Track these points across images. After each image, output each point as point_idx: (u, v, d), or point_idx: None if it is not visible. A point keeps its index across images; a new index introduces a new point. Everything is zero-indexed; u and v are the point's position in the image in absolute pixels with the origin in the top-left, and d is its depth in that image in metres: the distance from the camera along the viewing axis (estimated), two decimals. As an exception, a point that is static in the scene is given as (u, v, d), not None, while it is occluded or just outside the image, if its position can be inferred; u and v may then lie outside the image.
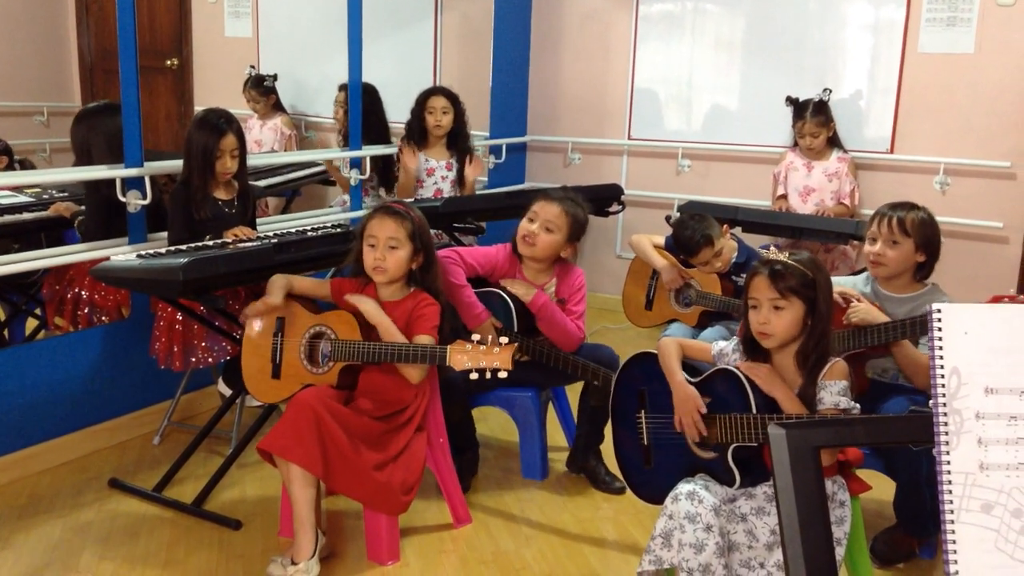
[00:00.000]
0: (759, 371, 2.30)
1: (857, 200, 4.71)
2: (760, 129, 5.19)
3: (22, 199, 3.84)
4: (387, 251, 2.71)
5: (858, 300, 2.80)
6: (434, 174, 4.58)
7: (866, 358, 2.84)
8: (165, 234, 3.42)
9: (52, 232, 3.82)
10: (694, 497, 2.17)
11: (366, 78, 4.38)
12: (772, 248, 2.38)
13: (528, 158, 5.99)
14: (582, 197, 3.31)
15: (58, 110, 6.01)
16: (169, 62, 6.26)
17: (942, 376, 1.15)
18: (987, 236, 4.73)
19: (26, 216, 3.76)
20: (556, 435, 3.56)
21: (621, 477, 2.70)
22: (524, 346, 3.11)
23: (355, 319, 2.74)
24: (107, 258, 3.01)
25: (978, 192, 4.74)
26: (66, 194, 3.90)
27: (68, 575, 2.65)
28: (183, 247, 3.03)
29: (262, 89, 5.59)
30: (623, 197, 4.91)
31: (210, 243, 3.12)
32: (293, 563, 2.58)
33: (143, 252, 2.95)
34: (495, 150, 5.50)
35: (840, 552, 2.21)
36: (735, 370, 2.34)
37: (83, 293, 3.54)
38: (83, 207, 3.73)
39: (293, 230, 3.42)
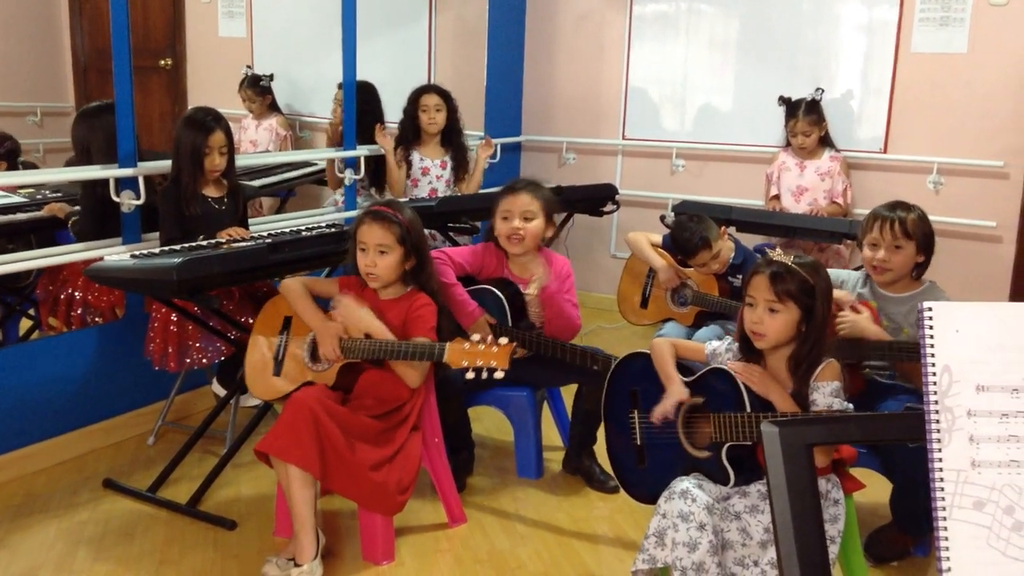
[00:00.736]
0: (752, 373, 2.30)
1: (850, 199, 4.72)
2: (754, 129, 5.20)
3: (16, 199, 3.83)
4: (377, 256, 2.72)
5: (854, 309, 2.77)
6: (429, 173, 4.58)
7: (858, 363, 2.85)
8: (158, 234, 3.42)
9: (44, 233, 3.81)
10: (687, 496, 2.18)
11: (360, 77, 4.37)
12: (778, 249, 2.37)
13: (523, 158, 5.99)
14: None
15: (52, 110, 5.99)
16: (163, 62, 6.25)
17: (933, 374, 1.15)
18: (980, 235, 4.74)
19: (20, 216, 3.76)
20: (551, 434, 3.56)
21: (615, 476, 2.70)
22: (523, 339, 3.12)
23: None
24: (101, 258, 3.00)
25: (971, 191, 4.75)
26: (60, 194, 3.90)
27: None
28: (177, 247, 3.03)
29: (258, 89, 5.58)
30: (617, 197, 4.93)
31: (204, 243, 3.12)
32: (296, 565, 2.57)
33: (137, 252, 2.95)
34: (489, 150, 5.49)
35: (834, 550, 2.22)
36: (729, 369, 2.34)
37: (77, 294, 3.54)
38: (76, 207, 3.73)
39: (287, 230, 3.42)
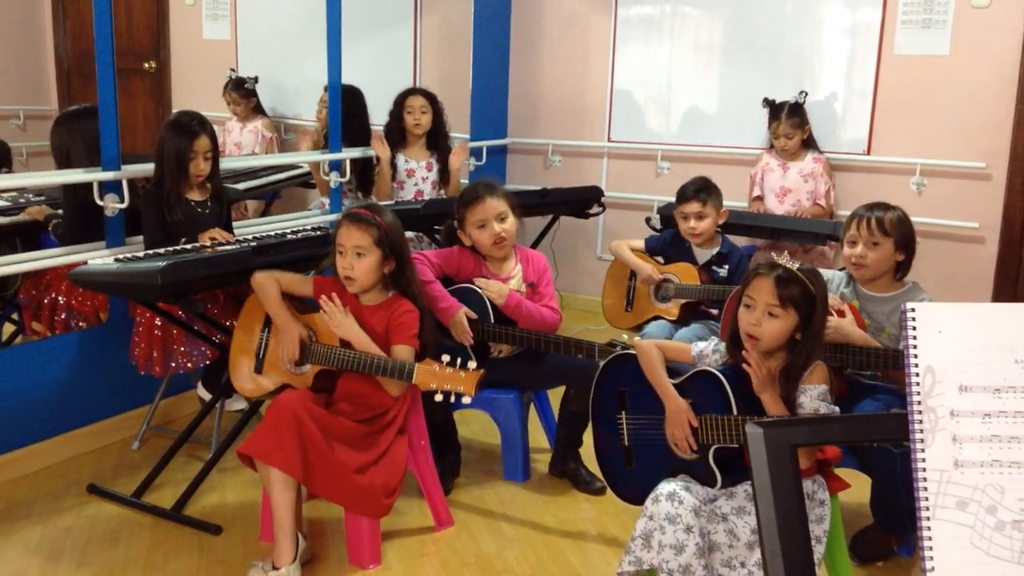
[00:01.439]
0: (762, 370, 2.26)
1: (833, 200, 4.74)
2: (738, 131, 5.22)
3: (-1, 203, 3.82)
4: (354, 259, 2.71)
5: (839, 312, 2.78)
6: (414, 175, 4.58)
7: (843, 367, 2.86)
8: (142, 238, 3.40)
9: (27, 237, 3.78)
10: (674, 498, 2.18)
11: (346, 81, 4.37)
12: (785, 254, 2.36)
13: (509, 160, 5.99)
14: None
15: (34, 113, 5.95)
16: (147, 65, 6.22)
17: (916, 374, 1.16)
18: (963, 236, 4.77)
19: (1, 220, 3.73)
20: (538, 437, 3.56)
21: (601, 477, 2.70)
22: (507, 336, 3.13)
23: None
24: (85, 262, 2.99)
25: (954, 193, 4.78)
26: (42, 198, 3.87)
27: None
28: (161, 251, 3.02)
29: (243, 92, 5.56)
30: (603, 199, 4.94)
31: (188, 246, 3.11)
32: (274, 568, 2.57)
33: (121, 256, 2.93)
34: (475, 152, 5.49)
35: (819, 550, 2.23)
36: (716, 372, 2.35)
37: (60, 298, 3.52)
38: (57, 211, 3.71)
39: (272, 233, 3.41)
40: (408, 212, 4.00)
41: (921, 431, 1.15)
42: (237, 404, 3.64)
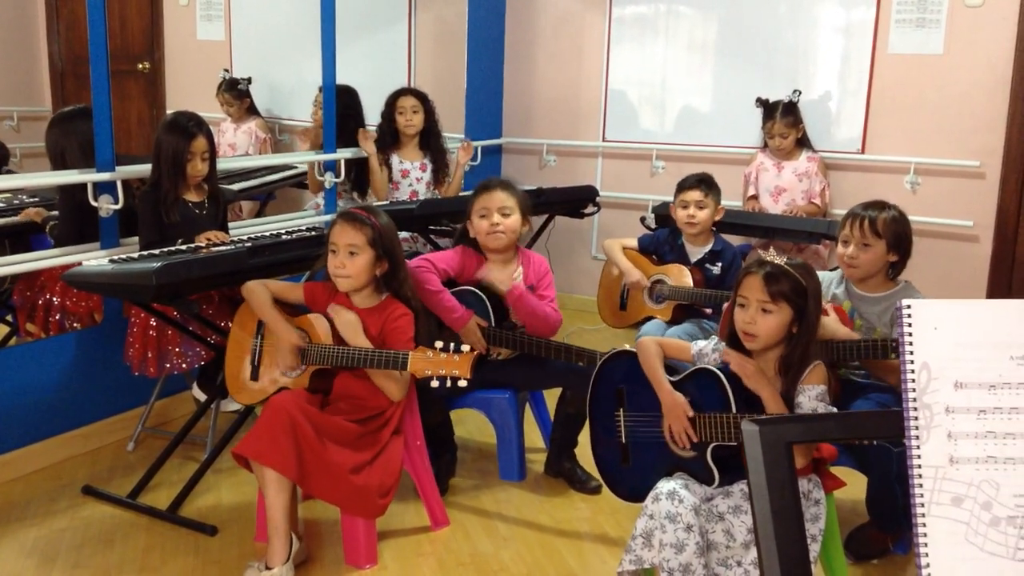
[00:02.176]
0: (747, 366, 2.30)
1: (828, 199, 4.75)
2: (732, 130, 5.23)
3: (-6, 205, 3.81)
4: (347, 258, 2.71)
5: (823, 312, 2.79)
6: (408, 175, 4.58)
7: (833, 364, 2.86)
8: (137, 239, 3.39)
9: (15, 238, 3.78)
10: (675, 497, 2.18)
11: (341, 81, 4.36)
12: (771, 250, 2.37)
13: (503, 160, 5.99)
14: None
15: (28, 115, 5.94)
16: (141, 66, 6.21)
17: (912, 371, 1.16)
18: (957, 235, 4.78)
19: (-1, 222, 3.73)
20: (533, 436, 3.56)
21: (597, 475, 2.70)
22: (508, 340, 3.13)
23: (329, 323, 2.74)
24: (79, 263, 2.98)
25: (948, 191, 4.79)
26: (37, 199, 3.87)
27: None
28: (156, 251, 3.02)
29: (236, 92, 5.56)
30: (598, 198, 4.94)
31: (183, 247, 3.10)
32: (267, 568, 2.56)
33: (115, 257, 2.93)
34: (470, 152, 5.50)
35: (815, 549, 2.23)
36: (715, 370, 2.35)
37: (55, 299, 3.51)
38: (54, 212, 3.70)
39: (267, 233, 3.41)
40: (403, 212, 4.00)
41: (916, 428, 1.16)
42: (232, 405, 3.63)
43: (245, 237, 3.33)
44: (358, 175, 4.65)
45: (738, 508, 2.24)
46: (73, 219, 3.50)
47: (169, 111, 5.89)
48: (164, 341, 3.29)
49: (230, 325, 3.00)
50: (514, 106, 5.91)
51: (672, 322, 3.90)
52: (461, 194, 4.74)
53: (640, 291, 4.04)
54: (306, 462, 2.55)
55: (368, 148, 4.50)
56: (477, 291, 3.18)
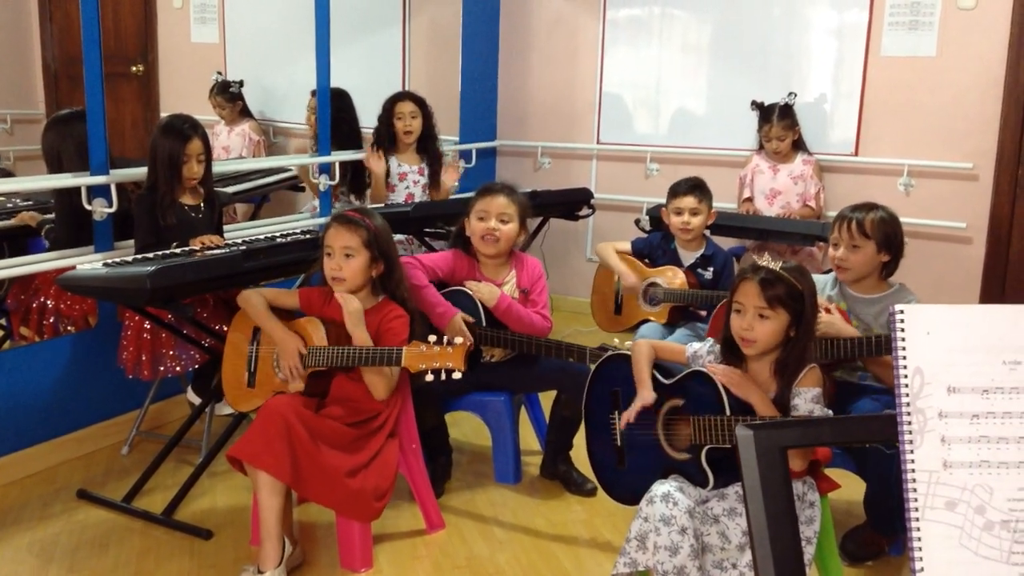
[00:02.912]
0: (732, 376, 2.31)
1: (823, 202, 4.76)
2: (727, 133, 5.24)
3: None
4: (343, 260, 2.71)
5: (826, 310, 2.80)
6: (406, 179, 4.57)
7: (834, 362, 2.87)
8: (132, 242, 3.39)
9: (16, 242, 3.77)
10: (669, 499, 2.18)
11: (335, 84, 4.36)
12: (766, 255, 2.37)
13: (498, 163, 5.99)
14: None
15: (22, 117, 5.92)
16: (135, 68, 6.19)
17: (905, 376, 1.17)
18: (951, 237, 4.80)
19: (-6, 226, 3.72)
20: (529, 439, 3.56)
21: (593, 478, 2.71)
22: (500, 339, 3.13)
23: (323, 326, 2.73)
24: (73, 267, 2.98)
25: (941, 193, 4.80)
26: (31, 203, 3.86)
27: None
28: (150, 255, 3.01)
29: (228, 95, 5.55)
30: (592, 201, 4.94)
31: (178, 251, 3.10)
32: (259, 572, 2.56)
33: (110, 260, 2.93)
34: (465, 155, 5.50)
35: (810, 551, 2.23)
36: (709, 372, 2.35)
37: (49, 302, 3.51)
38: (48, 215, 3.69)
39: (262, 236, 3.41)
40: (398, 215, 4.00)
41: (910, 432, 1.16)
42: (227, 408, 3.63)
43: (240, 240, 3.32)
44: (353, 177, 4.65)
45: (733, 510, 2.24)
46: (69, 222, 3.50)
47: (163, 114, 5.87)
48: (158, 344, 3.29)
49: (224, 328, 3.00)
50: (509, 108, 5.91)
51: (668, 324, 3.90)
52: (455, 197, 4.74)
53: (635, 294, 4.04)
54: (301, 465, 2.55)
55: (377, 169, 4.47)
56: (469, 291, 3.18)
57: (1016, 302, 1.21)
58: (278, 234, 3.44)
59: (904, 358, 1.16)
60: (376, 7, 5.92)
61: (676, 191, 3.97)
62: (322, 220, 4.31)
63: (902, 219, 2.99)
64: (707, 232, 4.10)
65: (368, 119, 4.72)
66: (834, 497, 2.39)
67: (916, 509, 1.14)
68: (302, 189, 5.10)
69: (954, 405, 1.16)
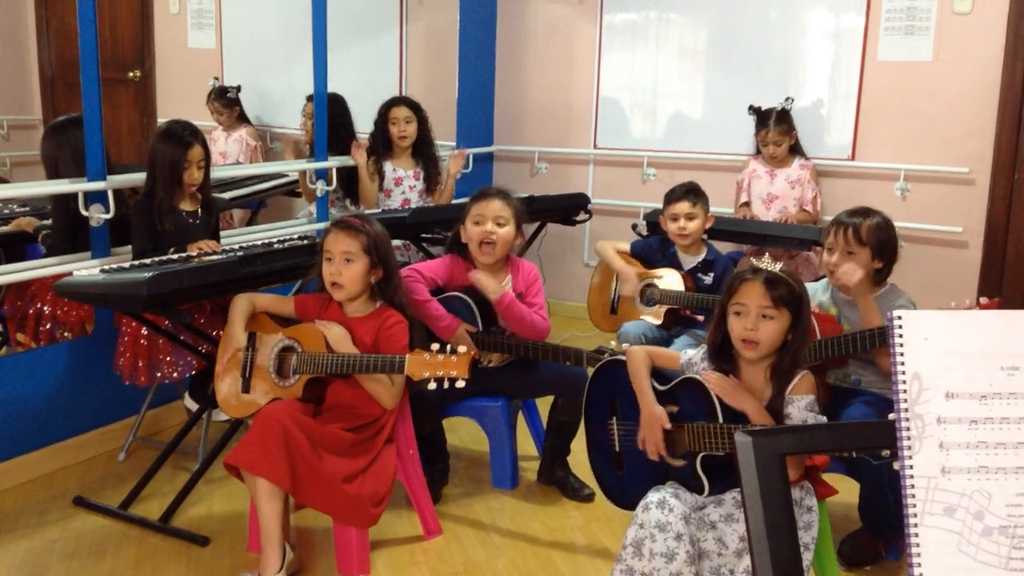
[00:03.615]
0: (726, 385, 2.30)
1: (820, 206, 4.76)
2: (723, 137, 5.25)
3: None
4: (343, 265, 2.71)
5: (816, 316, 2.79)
6: (401, 184, 4.58)
7: (826, 367, 2.87)
8: (129, 248, 3.39)
9: (8, 249, 3.76)
10: (664, 506, 2.18)
11: (331, 89, 4.36)
12: (766, 257, 2.37)
13: (495, 168, 6.00)
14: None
15: (18, 123, 5.91)
16: (131, 74, 6.19)
17: (903, 381, 1.17)
18: (947, 241, 4.80)
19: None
20: (526, 444, 3.56)
21: (592, 483, 2.70)
22: (499, 344, 3.12)
23: (320, 332, 2.73)
24: (70, 273, 2.97)
25: (938, 198, 4.81)
26: (27, 209, 3.85)
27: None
28: (147, 261, 3.01)
29: (225, 100, 5.55)
30: (589, 206, 4.95)
31: (175, 256, 3.09)
32: (260, 578, 2.56)
33: (107, 266, 2.92)
34: (462, 160, 5.50)
35: (808, 557, 2.23)
36: (702, 379, 2.35)
37: (46, 309, 3.50)
38: (45, 221, 3.69)
39: (259, 242, 3.40)
40: (395, 220, 4.00)
41: (908, 438, 1.16)
42: (224, 414, 3.62)
43: (237, 246, 3.32)
44: (349, 183, 4.65)
45: (730, 516, 2.24)
46: (66, 228, 3.49)
47: (160, 120, 5.89)
48: (155, 350, 3.29)
49: (221, 335, 2.99)
50: (505, 113, 5.92)
51: (663, 326, 3.90)
52: (453, 202, 4.74)
53: (631, 295, 4.04)
54: (298, 471, 2.54)
55: (359, 159, 4.49)
56: (464, 296, 3.18)
57: (1012, 307, 1.21)
58: (275, 240, 3.43)
59: (902, 364, 1.17)
60: (373, 12, 5.93)
61: (671, 197, 3.97)
62: (319, 226, 4.31)
63: (899, 223, 2.99)
64: (706, 237, 4.10)
65: (365, 124, 4.72)
66: (831, 502, 2.39)
67: (915, 515, 1.14)
68: (299, 195, 5.10)
69: (952, 411, 1.16)
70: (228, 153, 5.51)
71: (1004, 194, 4.65)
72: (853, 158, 4.97)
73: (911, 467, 1.15)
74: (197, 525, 3.01)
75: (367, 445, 2.72)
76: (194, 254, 3.16)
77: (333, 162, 4.43)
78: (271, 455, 2.51)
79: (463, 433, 3.73)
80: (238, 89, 5.59)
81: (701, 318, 3.90)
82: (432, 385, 2.56)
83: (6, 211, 3.84)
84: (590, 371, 2.71)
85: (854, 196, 4.65)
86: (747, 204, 4.84)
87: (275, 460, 2.51)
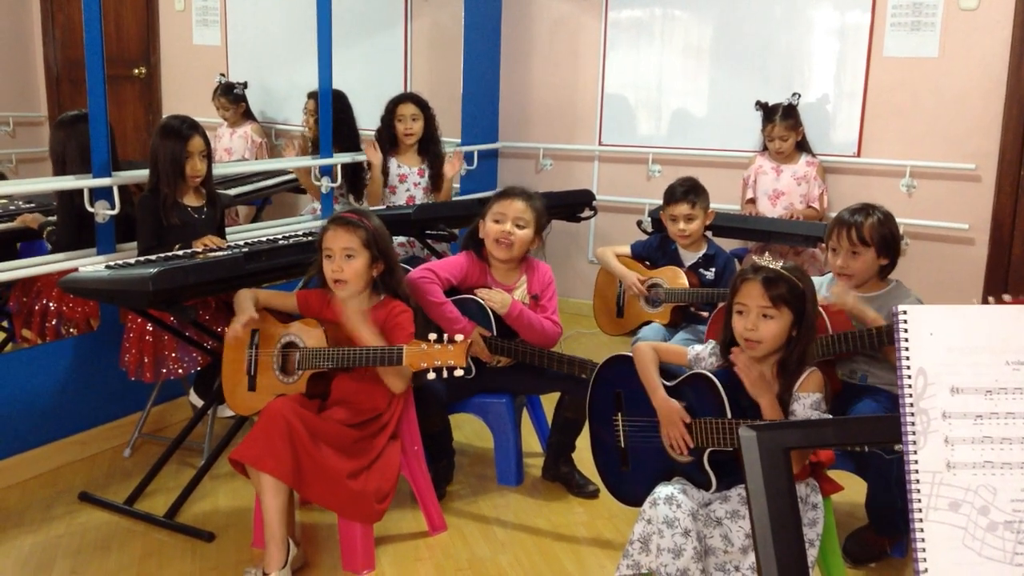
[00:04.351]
0: (751, 373, 2.28)
1: (826, 203, 4.75)
2: (728, 134, 5.24)
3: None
4: (344, 262, 2.71)
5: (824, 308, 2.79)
6: (406, 180, 4.58)
7: (836, 361, 2.86)
8: (134, 244, 3.39)
9: (11, 245, 3.77)
10: (672, 502, 2.18)
11: (336, 85, 4.36)
12: (767, 255, 2.37)
13: (500, 164, 5.99)
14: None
15: (24, 120, 5.93)
16: (137, 71, 6.20)
17: (909, 376, 1.16)
18: (953, 238, 4.79)
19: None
20: (531, 441, 3.56)
21: (596, 479, 2.70)
22: (509, 350, 3.12)
23: (321, 327, 2.73)
24: (75, 269, 2.98)
25: (944, 194, 4.80)
26: (32, 205, 3.86)
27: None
28: (152, 257, 3.01)
29: (232, 97, 5.55)
30: (594, 203, 4.94)
31: (180, 253, 3.10)
32: (264, 574, 2.56)
33: (112, 263, 2.92)
34: (467, 157, 5.49)
35: (813, 553, 2.23)
36: (710, 375, 2.35)
37: (51, 305, 3.51)
38: (50, 217, 3.70)
39: (264, 239, 3.41)
40: (399, 217, 4.00)
41: (914, 433, 1.16)
42: (229, 411, 3.63)
43: (242, 242, 3.32)
44: (353, 179, 4.65)
45: (736, 513, 2.24)
46: (71, 225, 3.50)
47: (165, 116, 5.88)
48: (160, 346, 3.29)
49: (226, 331, 3.00)
50: (510, 110, 5.91)
51: (670, 325, 3.90)
52: (457, 199, 4.75)
53: (637, 296, 4.04)
54: (303, 467, 2.55)
55: (374, 160, 4.49)
56: (479, 299, 3.17)
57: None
58: (280, 236, 3.43)
59: (907, 359, 1.16)
60: (378, 9, 5.93)
61: (670, 198, 3.96)
62: (324, 223, 4.31)
63: (904, 220, 2.99)
64: (708, 232, 4.10)
65: (370, 121, 4.72)
66: (837, 499, 2.38)
67: (920, 510, 1.14)
68: (303, 191, 5.10)
69: (957, 406, 1.16)
70: (233, 150, 5.52)
71: (1010, 190, 4.63)
72: (859, 154, 4.95)
73: (916, 462, 1.15)
74: (202, 521, 3.01)
75: (371, 441, 2.73)
76: (199, 250, 3.16)
77: (338, 159, 4.43)
78: (276, 451, 2.52)
79: (467, 430, 3.73)
80: (244, 86, 5.60)
81: (705, 314, 3.90)
82: (431, 376, 2.56)
83: (11, 207, 3.85)
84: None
85: (860, 193, 4.64)
86: (753, 200, 4.83)
87: (280, 456, 2.51)
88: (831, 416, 2.27)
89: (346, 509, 2.65)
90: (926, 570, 1.13)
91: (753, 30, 5.17)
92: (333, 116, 4.40)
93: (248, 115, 5.63)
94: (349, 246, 2.71)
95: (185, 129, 3.35)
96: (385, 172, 4.56)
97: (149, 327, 3.25)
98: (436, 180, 4.65)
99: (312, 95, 4.57)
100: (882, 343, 2.68)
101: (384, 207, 4.37)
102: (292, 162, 4.90)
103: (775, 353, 2.30)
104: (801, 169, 4.77)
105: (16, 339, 3.70)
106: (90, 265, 3.04)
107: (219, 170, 3.99)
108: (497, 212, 3.18)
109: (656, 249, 4.08)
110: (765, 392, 2.26)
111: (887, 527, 2.78)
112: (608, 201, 5.52)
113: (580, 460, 3.25)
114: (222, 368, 2.90)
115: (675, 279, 3.93)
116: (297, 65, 5.46)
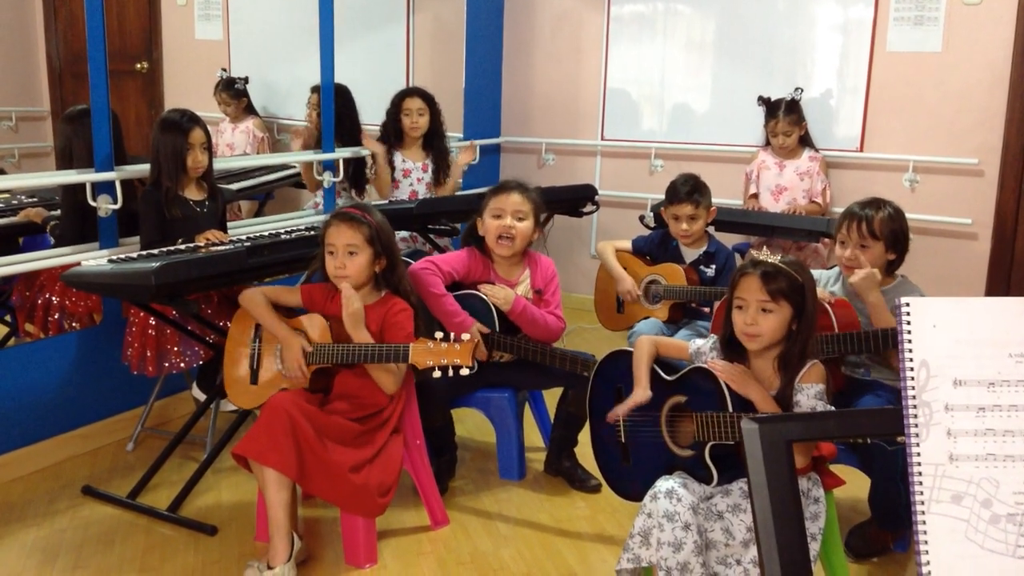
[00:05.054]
0: (733, 372, 2.30)
1: (829, 198, 4.74)
2: (731, 129, 5.23)
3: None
4: (346, 258, 2.71)
5: (828, 303, 2.78)
6: (410, 175, 4.57)
7: (840, 358, 2.86)
8: (137, 239, 3.39)
9: (15, 240, 3.77)
10: (673, 495, 2.18)
11: (337, 80, 4.36)
12: (765, 249, 2.37)
13: (502, 159, 5.99)
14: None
15: (27, 115, 5.93)
16: (139, 65, 6.20)
17: (911, 369, 1.16)
18: (956, 233, 4.78)
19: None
20: (533, 435, 3.56)
21: (597, 474, 2.70)
22: (511, 346, 3.12)
23: (326, 321, 2.73)
24: (78, 263, 2.98)
25: (947, 189, 4.79)
26: (36, 199, 3.86)
27: None
28: (155, 251, 3.02)
29: (233, 92, 5.55)
30: (597, 197, 4.94)
31: (182, 247, 3.10)
32: (269, 568, 2.56)
33: (115, 257, 2.93)
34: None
35: (815, 548, 2.23)
36: (709, 367, 2.35)
37: (54, 299, 3.51)
38: (53, 212, 3.70)
39: (266, 233, 3.40)
40: (402, 211, 4.00)
41: (916, 425, 1.16)
42: (232, 404, 3.63)
43: (244, 237, 3.33)
44: (355, 173, 4.65)
45: (737, 507, 2.24)
46: (76, 218, 3.50)
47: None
48: (163, 340, 3.29)
49: (228, 325, 3.00)
50: (513, 105, 5.91)
51: (670, 321, 3.89)
52: (459, 193, 4.74)
53: (630, 298, 4.02)
54: (306, 461, 2.55)
55: (376, 150, 4.49)
56: (482, 295, 3.16)
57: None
58: (282, 231, 3.43)
59: (910, 351, 1.16)
60: (380, 3, 5.93)
61: (673, 197, 3.94)
62: (326, 217, 4.31)
63: (908, 215, 2.98)
64: (709, 229, 4.09)
65: (370, 115, 4.71)
66: (839, 493, 2.39)
67: (922, 503, 1.14)
68: (306, 185, 5.10)
69: (960, 398, 1.16)
70: (235, 144, 5.52)
71: (1013, 185, 4.63)
72: (862, 149, 4.95)
73: (919, 455, 1.15)
74: (205, 514, 3.02)
75: (374, 435, 2.73)
76: (202, 244, 3.16)
77: (340, 153, 4.43)
78: (279, 445, 2.52)
79: (470, 424, 3.74)
80: (246, 80, 5.60)
81: (707, 310, 3.90)
82: (437, 374, 2.56)
83: (14, 201, 3.85)
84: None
85: (863, 188, 4.64)
86: (755, 196, 4.83)
87: (282, 450, 2.52)
88: (833, 408, 2.26)
89: (348, 503, 2.66)
90: (928, 563, 1.13)
91: (756, 25, 5.16)
92: (335, 111, 4.40)
93: (250, 110, 5.63)
94: (352, 242, 2.71)
95: (185, 122, 3.35)
96: (390, 166, 4.55)
97: (152, 321, 3.25)
98: (439, 175, 4.64)
99: (315, 89, 4.57)
100: (887, 346, 2.67)
101: (386, 201, 4.37)
102: (292, 156, 4.90)
103: (775, 347, 2.30)
104: (804, 164, 4.76)
105: (19, 333, 3.70)
106: (93, 259, 3.04)
107: (220, 165, 4.00)
108: (495, 208, 3.17)
109: (657, 245, 4.07)
110: (753, 388, 2.25)
111: (890, 521, 2.77)
112: (610, 196, 5.52)
113: (582, 455, 3.25)
114: (224, 362, 2.90)
115: (674, 276, 3.92)
116: (299, 60, 5.46)
